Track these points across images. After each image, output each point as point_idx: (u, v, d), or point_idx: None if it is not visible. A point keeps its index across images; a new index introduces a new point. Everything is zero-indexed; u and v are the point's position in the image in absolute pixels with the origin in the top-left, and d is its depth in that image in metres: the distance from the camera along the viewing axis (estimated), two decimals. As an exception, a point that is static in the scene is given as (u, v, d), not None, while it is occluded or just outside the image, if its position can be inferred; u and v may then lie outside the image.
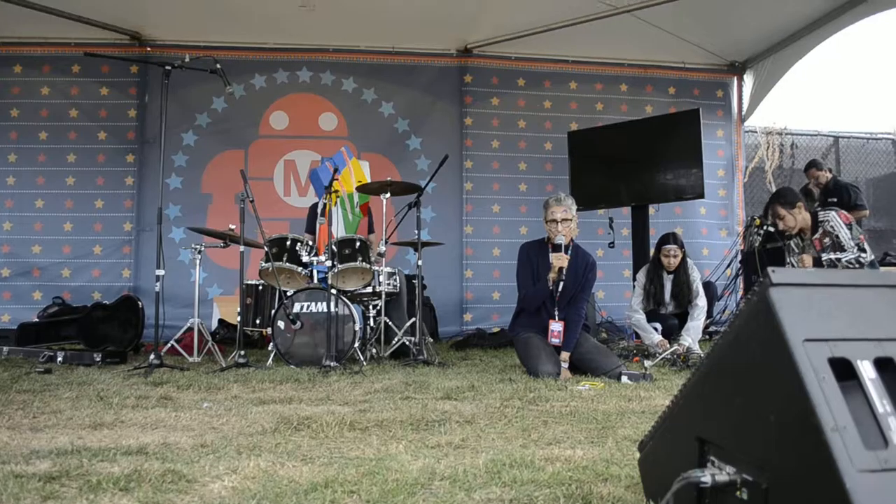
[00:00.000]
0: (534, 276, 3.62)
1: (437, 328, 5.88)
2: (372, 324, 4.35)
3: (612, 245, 5.80)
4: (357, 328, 3.89)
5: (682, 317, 4.55)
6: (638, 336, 4.68)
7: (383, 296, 4.26)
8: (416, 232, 4.18)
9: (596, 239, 6.34)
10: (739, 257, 6.15)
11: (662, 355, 3.99)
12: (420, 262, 4.19)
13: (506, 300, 6.18)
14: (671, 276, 4.63)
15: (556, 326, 3.54)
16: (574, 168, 5.93)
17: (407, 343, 4.20)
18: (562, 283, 3.57)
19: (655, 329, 4.46)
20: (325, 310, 3.81)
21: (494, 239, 6.58)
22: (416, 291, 4.18)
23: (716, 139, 6.97)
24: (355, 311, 3.96)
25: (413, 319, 4.24)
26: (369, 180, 5.05)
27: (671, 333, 4.53)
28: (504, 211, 6.63)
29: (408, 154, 6.48)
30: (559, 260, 3.48)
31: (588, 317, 4.48)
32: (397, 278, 4.46)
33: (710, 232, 6.93)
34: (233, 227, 3.98)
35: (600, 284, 6.39)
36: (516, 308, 3.80)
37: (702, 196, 5.51)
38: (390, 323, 4.30)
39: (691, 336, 4.29)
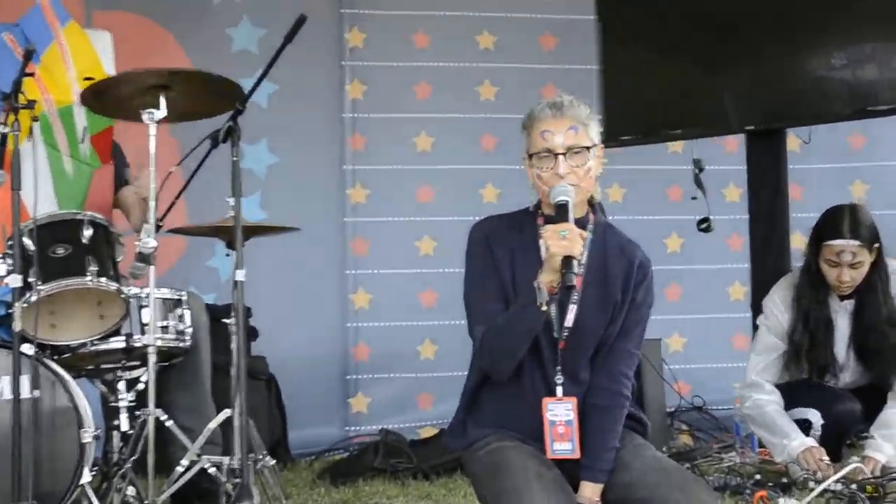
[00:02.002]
0: (506, 292, 3.64)
1: (285, 431, 5.97)
2: (126, 427, 4.37)
3: (703, 226, 5.92)
4: (90, 437, 3.94)
5: (873, 395, 4.68)
6: (762, 443, 4.82)
7: (153, 360, 4.27)
8: (233, 203, 4.19)
9: (662, 212, 6.49)
10: None
11: (823, 485, 4.08)
12: (242, 276, 4.20)
13: (450, 362, 6.25)
14: (847, 306, 4.77)
15: (559, 412, 3.50)
16: (608, 46, 6.05)
17: (211, 472, 4.25)
18: (574, 306, 3.57)
19: (806, 425, 4.57)
20: (9, 397, 3.82)
21: (420, 216, 6.74)
22: (235, 346, 4.22)
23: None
24: (84, 399, 3.98)
25: (226, 413, 4.32)
26: (113, 74, 5.03)
27: (846, 433, 4.65)
28: (442, 149, 6.77)
29: (209, 13, 6.58)
30: (561, 241, 3.38)
31: (645, 395, 4.58)
32: (187, 316, 4.54)
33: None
34: None
35: (672, 318, 6.51)
36: (470, 378, 3.77)
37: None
38: (171, 424, 4.37)
39: (894, 439, 4.46)
